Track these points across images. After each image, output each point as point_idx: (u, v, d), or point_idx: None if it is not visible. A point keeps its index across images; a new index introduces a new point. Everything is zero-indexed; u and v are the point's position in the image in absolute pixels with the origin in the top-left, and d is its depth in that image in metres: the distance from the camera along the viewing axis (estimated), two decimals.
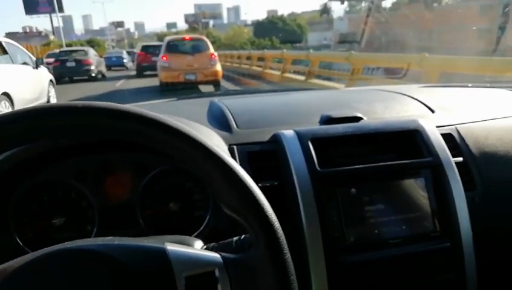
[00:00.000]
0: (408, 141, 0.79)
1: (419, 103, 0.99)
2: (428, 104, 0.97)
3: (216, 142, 0.76)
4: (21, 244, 0.72)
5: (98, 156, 0.77)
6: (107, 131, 0.42)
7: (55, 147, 0.72)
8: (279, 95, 1.40)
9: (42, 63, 7.79)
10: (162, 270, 0.43)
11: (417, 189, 0.74)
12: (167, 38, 10.24)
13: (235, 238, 0.53)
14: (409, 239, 0.71)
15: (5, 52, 6.45)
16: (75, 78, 15.17)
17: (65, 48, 17.97)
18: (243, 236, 0.53)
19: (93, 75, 15.20)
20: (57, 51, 17.07)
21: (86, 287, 0.41)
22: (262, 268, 0.43)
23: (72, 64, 14.86)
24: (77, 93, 10.62)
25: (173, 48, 9.67)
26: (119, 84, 13.72)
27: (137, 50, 19.48)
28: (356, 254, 0.69)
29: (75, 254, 0.43)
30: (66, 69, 14.74)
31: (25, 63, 7.07)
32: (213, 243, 0.54)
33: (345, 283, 0.69)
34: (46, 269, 0.42)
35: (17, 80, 6.35)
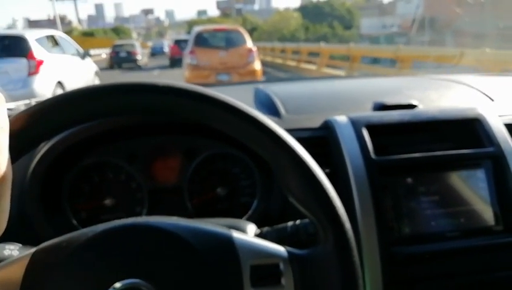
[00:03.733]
0: (467, 130, 0.79)
1: (477, 91, 0.99)
2: (486, 93, 0.97)
3: None
4: (75, 224, 0.78)
5: (148, 139, 0.82)
6: (186, 113, 0.43)
7: (108, 129, 0.76)
8: (327, 81, 1.42)
9: (88, 55, 8.56)
10: (229, 256, 0.45)
11: (476, 180, 0.74)
12: (197, 29, 8.84)
13: (290, 223, 0.57)
14: (468, 233, 0.71)
15: (56, 44, 7.23)
16: (124, 65, 20.86)
17: (118, 42, 24.29)
18: (298, 222, 0.57)
19: (138, 63, 21.16)
20: (119, 43, 23.53)
21: (159, 263, 0.44)
22: (328, 266, 0.44)
23: (124, 54, 21.18)
24: None
25: (204, 41, 8.40)
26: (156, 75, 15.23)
27: (167, 40, 23.16)
28: (412, 246, 0.69)
29: (148, 229, 0.46)
30: (119, 58, 21.15)
31: (73, 55, 7.86)
32: (267, 228, 0.58)
33: (400, 275, 0.69)
34: (118, 240, 0.45)
35: (69, 70, 7.13)
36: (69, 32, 43.73)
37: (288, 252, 0.47)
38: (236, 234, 0.47)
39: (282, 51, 14.53)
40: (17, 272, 0.43)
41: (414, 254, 0.69)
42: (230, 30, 8.94)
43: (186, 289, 0.44)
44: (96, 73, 8.92)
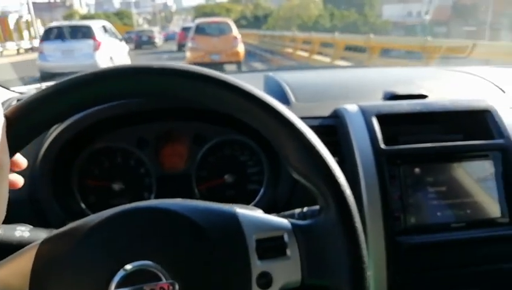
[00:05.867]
0: (477, 121, 0.81)
1: (489, 83, 1.02)
2: (498, 85, 0.99)
3: None
4: (84, 208, 0.82)
5: (158, 125, 0.85)
6: (179, 90, 0.45)
7: (118, 115, 0.78)
8: (338, 70, 1.52)
9: (124, 39, 12.33)
10: (234, 231, 0.47)
11: (484, 172, 0.76)
12: (196, 22, 12.27)
13: (297, 210, 0.59)
14: (473, 224, 0.74)
15: (106, 31, 10.99)
16: (144, 47, 27.74)
17: (140, 29, 32.54)
18: (306, 209, 0.58)
19: (156, 45, 28.71)
20: (141, 29, 31.04)
21: (166, 243, 0.46)
22: (332, 234, 0.46)
23: (145, 38, 28.84)
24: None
25: (201, 30, 11.39)
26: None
27: (172, 26, 28.05)
28: (417, 236, 0.72)
29: (152, 211, 0.48)
30: (142, 41, 28.47)
31: (115, 38, 11.59)
32: (274, 214, 0.58)
33: (405, 265, 0.73)
34: (124, 224, 0.47)
35: (115, 49, 10.97)
36: (69, 16, 44.58)
37: (292, 223, 0.49)
38: (239, 210, 0.49)
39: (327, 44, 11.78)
40: (25, 264, 0.44)
41: (419, 244, 0.72)
42: (221, 22, 12.30)
43: (193, 267, 0.46)
44: (128, 52, 12.65)
